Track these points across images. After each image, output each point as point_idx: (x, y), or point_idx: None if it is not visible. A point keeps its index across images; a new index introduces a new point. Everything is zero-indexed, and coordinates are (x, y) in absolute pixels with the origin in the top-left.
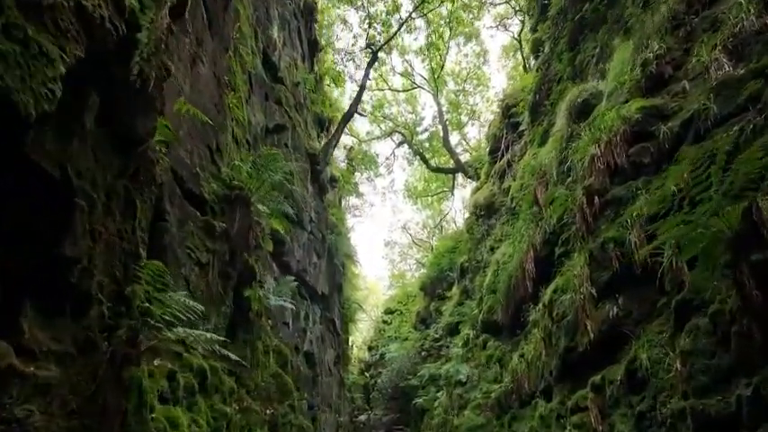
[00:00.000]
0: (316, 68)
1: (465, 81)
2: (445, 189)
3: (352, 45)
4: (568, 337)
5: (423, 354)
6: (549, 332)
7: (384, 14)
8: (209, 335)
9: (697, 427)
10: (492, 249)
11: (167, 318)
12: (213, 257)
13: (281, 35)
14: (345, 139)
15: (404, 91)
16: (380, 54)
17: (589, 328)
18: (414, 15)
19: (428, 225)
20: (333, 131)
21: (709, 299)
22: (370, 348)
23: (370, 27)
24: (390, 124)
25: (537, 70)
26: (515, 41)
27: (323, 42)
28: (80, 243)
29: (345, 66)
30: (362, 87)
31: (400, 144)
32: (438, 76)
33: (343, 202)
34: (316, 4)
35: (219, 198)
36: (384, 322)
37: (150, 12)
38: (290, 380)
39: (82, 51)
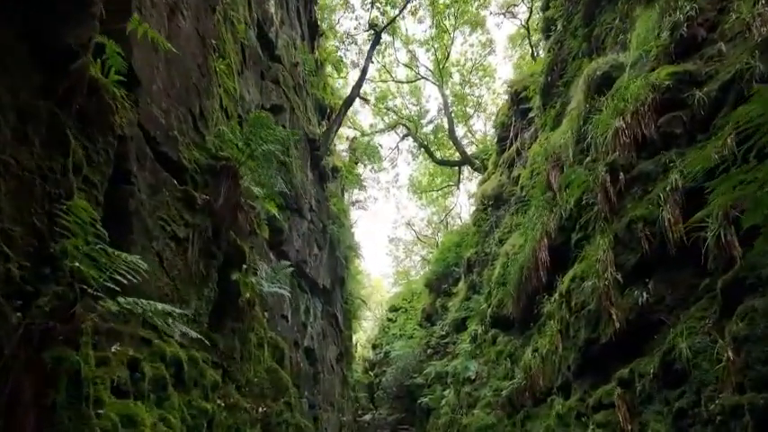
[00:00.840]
0: (316, 54)
1: (470, 73)
2: (450, 183)
3: (355, 28)
4: (589, 329)
5: (428, 351)
6: (567, 324)
7: None
8: (162, 306)
9: (757, 424)
10: (501, 241)
11: (107, 283)
12: (193, 233)
13: (279, 12)
14: (348, 132)
15: (408, 82)
16: (384, 39)
17: (614, 317)
18: None
19: (433, 221)
20: (334, 118)
21: None
22: (374, 347)
23: (372, 7)
24: (394, 117)
25: (549, 51)
26: (523, 29)
27: (324, 27)
28: None
29: (348, 49)
30: (365, 70)
31: (404, 137)
32: (443, 67)
33: (346, 196)
34: None
35: (202, 168)
36: (389, 320)
37: None
38: (286, 375)
39: None
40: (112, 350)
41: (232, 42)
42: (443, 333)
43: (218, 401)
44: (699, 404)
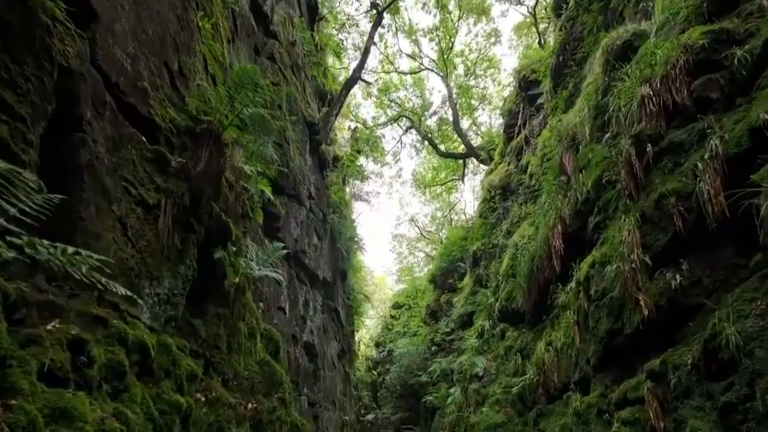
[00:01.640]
0: (316, 38)
1: (475, 64)
2: (455, 177)
3: (356, 10)
4: (612, 318)
5: (433, 349)
6: (585, 314)
7: None
8: (85, 254)
9: None
10: (509, 233)
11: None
12: (166, 200)
13: None
14: (350, 124)
15: (411, 73)
16: (386, 23)
17: (642, 303)
18: None
19: (437, 217)
20: (335, 100)
21: None
22: (377, 345)
23: None
24: (397, 109)
25: (560, 29)
26: (530, 16)
27: (324, 11)
28: None
29: (349, 32)
30: (367, 50)
31: (408, 129)
32: (447, 58)
33: (347, 188)
34: None
35: (180, 130)
36: (392, 317)
37: None
38: (280, 369)
39: None
40: (49, 327)
41: (221, 6)
42: (448, 329)
43: (198, 395)
44: (752, 397)
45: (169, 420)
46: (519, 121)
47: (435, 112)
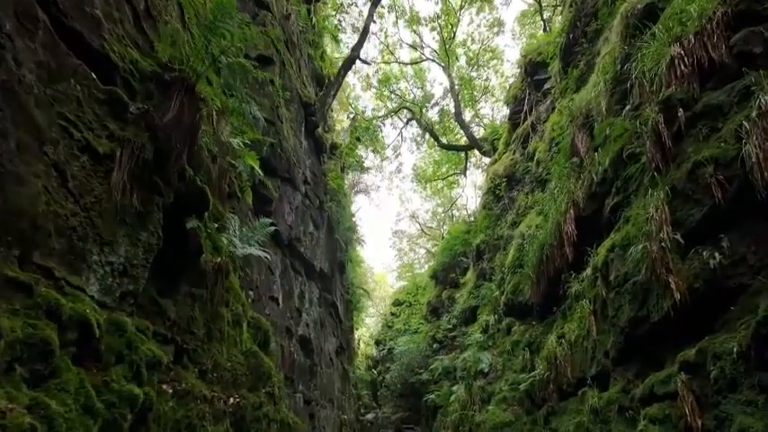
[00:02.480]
0: (312, 16)
1: (477, 55)
2: (457, 171)
3: None
4: (635, 305)
5: (435, 346)
6: (603, 303)
7: None
8: None
9: None
10: (514, 224)
11: None
12: (122, 150)
13: None
14: (349, 114)
15: (412, 63)
16: (386, 2)
17: (673, 287)
18: None
19: (438, 213)
20: (332, 81)
21: None
22: (377, 343)
23: None
24: (398, 102)
25: (569, 6)
26: (534, 4)
27: None
28: None
29: (348, 12)
30: (366, 29)
31: (408, 122)
32: (449, 48)
33: (346, 181)
34: None
35: (145, 76)
36: (392, 315)
37: None
38: (269, 362)
39: None
40: None
41: None
42: (450, 326)
43: (164, 387)
44: None
45: (118, 415)
46: (525, 107)
47: (437, 103)
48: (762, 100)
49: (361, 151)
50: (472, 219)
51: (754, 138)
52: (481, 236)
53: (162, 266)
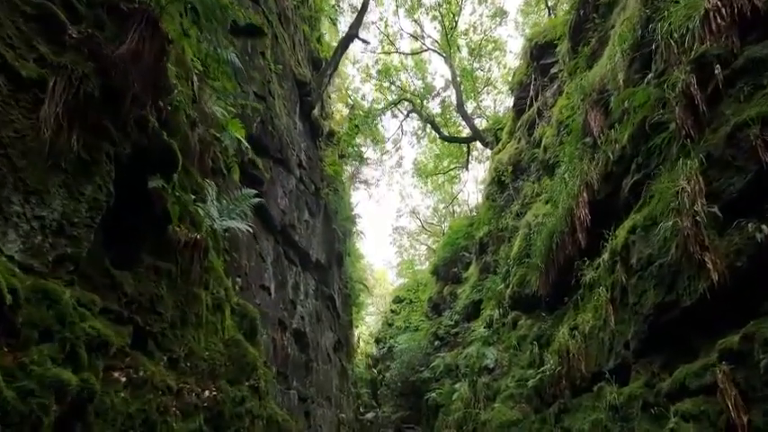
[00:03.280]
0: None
1: (480, 46)
2: (458, 165)
3: None
4: (662, 290)
5: (436, 343)
6: (623, 289)
7: None
8: None
9: None
10: (519, 215)
11: None
12: (56, 80)
13: None
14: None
15: (413, 54)
16: None
17: (710, 265)
18: None
19: (439, 210)
20: (329, 60)
21: None
22: (377, 341)
23: None
24: (398, 94)
25: None
26: None
27: None
28: None
29: None
30: (364, 6)
31: (409, 114)
32: (451, 38)
33: (345, 172)
34: None
35: (94, 2)
36: (392, 312)
37: None
38: (254, 352)
39: None
40: None
41: None
42: (452, 322)
43: (116, 374)
44: None
45: (37, 406)
46: (531, 93)
47: (438, 94)
48: None
49: (359, 141)
50: (474, 213)
51: None
52: (484, 228)
53: (118, 232)
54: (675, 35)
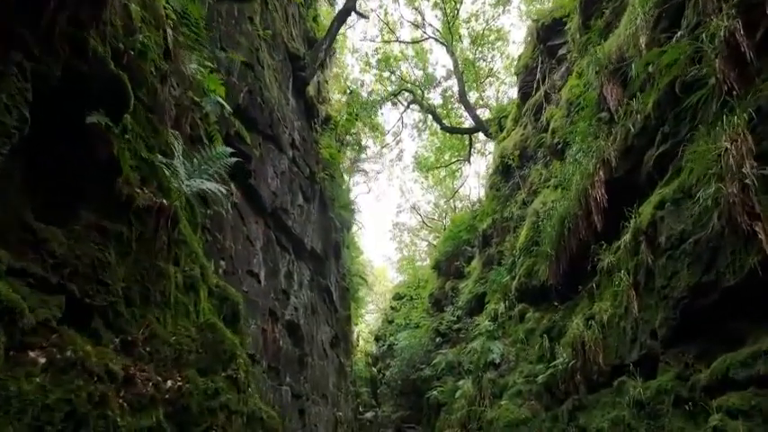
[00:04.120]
0: None
1: (482, 35)
2: (460, 158)
3: None
4: (698, 268)
5: (437, 340)
6: (649, 272)
7: None
8: None
9: None
10: (525, 203)
11: None
12: None
13: None
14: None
15: (414, 42)
16: None
17: (762, 236)
18: None
19: (439, 206)
20: (325, 35)
21: None
22: (377, 339)
23: None
24: (399, 85)
25: None
26: None
27: None
28: None
29: None
30: None
31: (410, 104)
32: (452, 26)
33: (344, 163)
34: None
35: None
36: (392, 309)
37: None
38: (233, 338)
39: None
40: None
41: None
42: (454, 318)
43: (32, 354)
44: None
45: None
46: (538, 76)
47: (439, 83)
48: None
49: (359, 129)
50: (476, 206)
51: None
52: (488, 220)
53: (48, 179)
54: None
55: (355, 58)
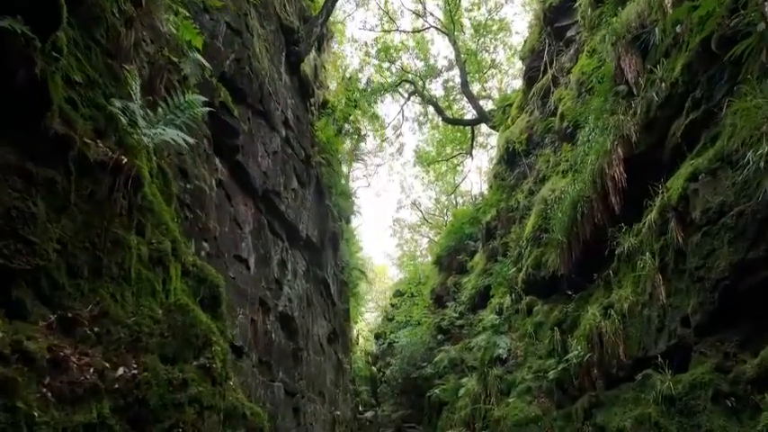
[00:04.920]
0: None
1: (484, 26)
2: (461, 152)
3: None
4: (741, 244)
5: (439, 337)
6: (679, 252)
7: None
8: None
9: None
10: (532, 192)
11: None
12: None
13: None
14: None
15: (415, 32)
16: None
17: None
18: None
19: (441, 201)
20: (321, 9)
21: None
22: (377, 337)
23: None
24: (399, 75)
25: None
26: None
27: None
28: None
29: None
30: None
31: (410, 96)
32: (455, 15)
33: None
34: None
35: None
36: (392, 306)
37: None
38: (209, 323)
39: None
40: None
41: None
42: (457, 314)
43: None
44: None
45: None
46: (545, 58)
47: (441, 73)
48: None
49: (357, 120)
50: (478, 200)
51: None
52: (492, 212)
53: None
54: None
55: (354, 48)
